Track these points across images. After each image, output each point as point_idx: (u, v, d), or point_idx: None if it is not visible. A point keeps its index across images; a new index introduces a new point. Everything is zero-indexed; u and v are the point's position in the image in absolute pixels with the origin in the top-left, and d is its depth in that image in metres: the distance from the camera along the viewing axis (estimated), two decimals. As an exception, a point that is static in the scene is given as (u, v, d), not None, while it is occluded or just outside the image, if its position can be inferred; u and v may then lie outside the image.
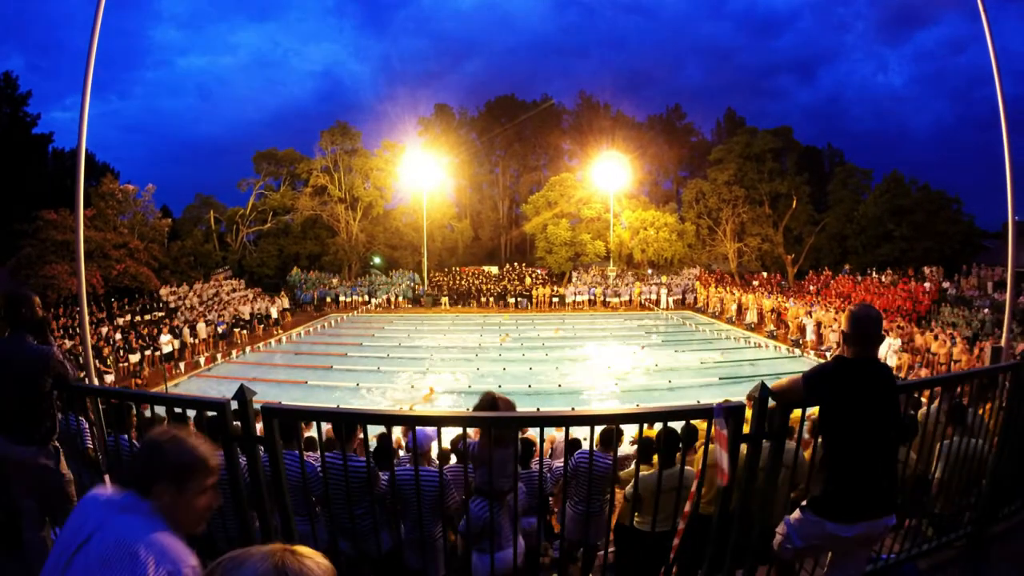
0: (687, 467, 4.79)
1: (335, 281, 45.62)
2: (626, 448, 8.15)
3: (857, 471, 3.25)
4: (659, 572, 4.18)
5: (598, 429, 3.52)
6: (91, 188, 34.76)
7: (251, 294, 39.53)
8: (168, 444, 2.09)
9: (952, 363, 20.81)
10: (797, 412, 3.78)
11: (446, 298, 42.94)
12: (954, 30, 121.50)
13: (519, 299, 42.32)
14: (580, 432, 3.84)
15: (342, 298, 42.52)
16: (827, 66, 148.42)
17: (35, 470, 3.97)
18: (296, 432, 4.23)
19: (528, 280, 45.28)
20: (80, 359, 16.80)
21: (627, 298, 42.32)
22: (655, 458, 5.45)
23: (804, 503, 3.49)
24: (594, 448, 4.00)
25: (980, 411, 5.01)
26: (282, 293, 40.45)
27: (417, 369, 23.83)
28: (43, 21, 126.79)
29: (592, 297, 42.31)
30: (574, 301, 41.86)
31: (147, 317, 30.10)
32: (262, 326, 33.54)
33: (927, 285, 32.05)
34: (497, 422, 3.90)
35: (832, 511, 3.30)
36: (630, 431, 8.45)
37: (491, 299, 42.70)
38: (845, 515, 3.27)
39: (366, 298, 42.47)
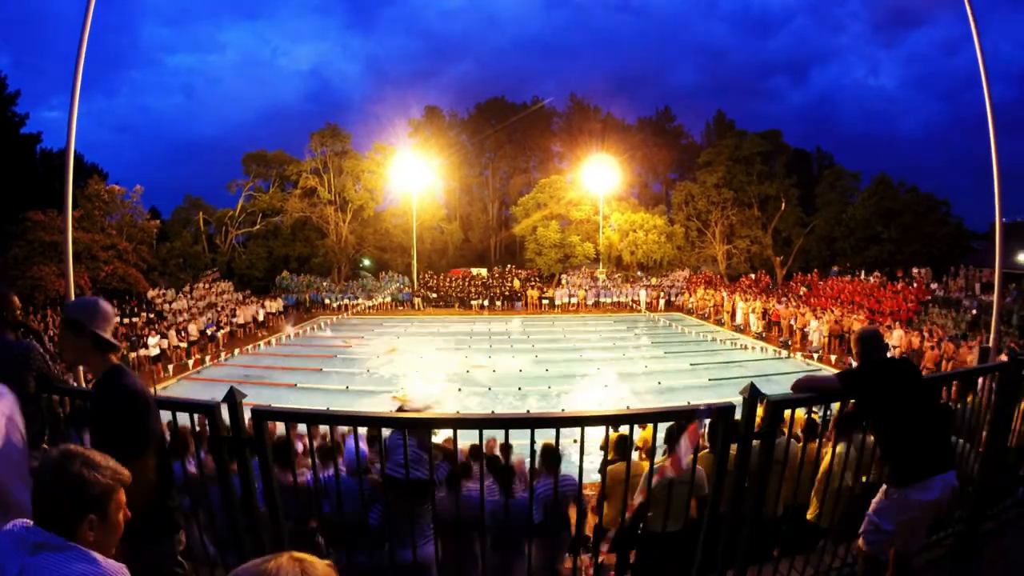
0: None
1: (325, 284, 45.43)
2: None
3: (912, 436, 3.67)
4: (676, 572, 4.22)
5: (588, 431, 3.51)
6: (78, 189, 34.56)
7: (241, 296, 39.36)
8: (85, 471, 1.88)
9: (945, 362, 20.89)
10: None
11: (421, 299, 43.00)
12: (947, 32, 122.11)
13: (507, 301, 42.38)
14: (571, 433, 3.83)
15: (333, 303, 42.15)
16: (818, 68, 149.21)
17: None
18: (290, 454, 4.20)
19: (517, 283, 45.22)
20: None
21: (616, 300, 42.38)
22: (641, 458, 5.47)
23: (884, 486, 3.83)
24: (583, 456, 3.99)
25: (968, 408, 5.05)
26: (275, 297, 40.24)
27: (407, 370, 23.81)
28: (30, 19, 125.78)
29: (581, 299, 42.31)
30: (564, 303, 41.89)
31: (135, 320, 29.97)
32: (246, 329, 33.46)
33: (915, 287, 32.23)
34: (489, 424, 3.90)
35: (908, 477, 3.66)
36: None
37: (480, 301, 42.57)
38: (920, 475, 3.63)
39: (357, 302, 42.20)
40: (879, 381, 3.78)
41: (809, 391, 3.88)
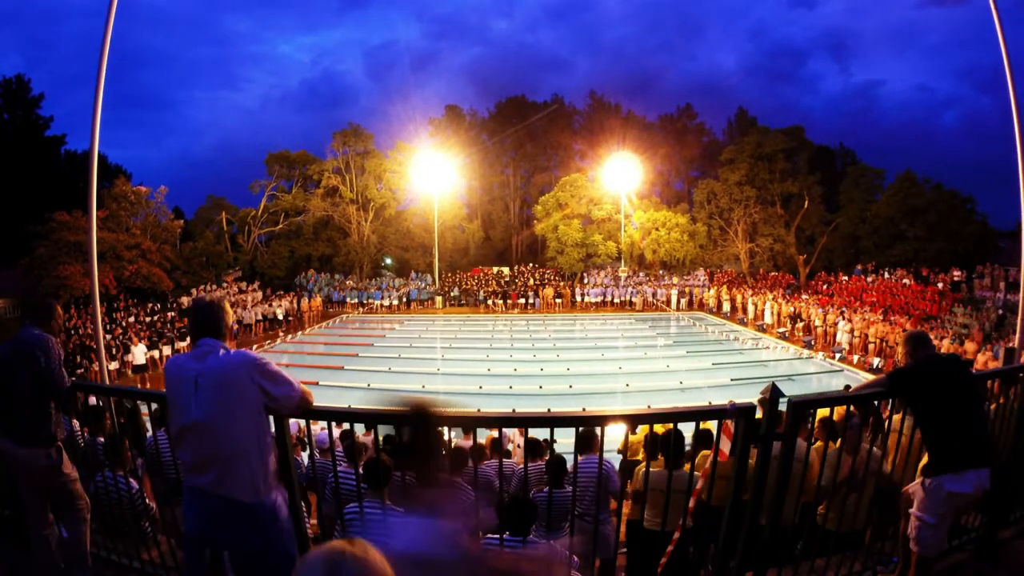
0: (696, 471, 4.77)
1: (348, 283, 45.70)
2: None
3: (953, 428, 3.82)
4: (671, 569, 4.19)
5: (607, 429, 3.52)
6: (104, 190, 34.97)
7: (260, 294, 39.64)
8: (221, 310, 3.22)
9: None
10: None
11: (443, 297, 43.08)
12: (979, 23, 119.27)
13: (529, 300, 42.36)
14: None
15: (360, 300, 42.47)
16: (845, 59, 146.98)
17: (40, 471, 4.02)
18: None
19: (531, 280, 45.17)
20: (94, 359, 16.92)
21: (639, 298, 42.21)
22: (660, 456, 5.44)
23: (920, 476, 3.98)
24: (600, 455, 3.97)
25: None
26: (302, 295, 40.53)
27: (428, 369, 23.88)
28: (49, 16, 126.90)
29: (604, 298, 42.25)
30: (586, 301, 41.81)
31: (156, 317, 30.31)
32: (267, 326, 33.78)
33: (939, 286, 31.79)
34: (509, 422, 3.92)
35: (946, 465, 3.81)
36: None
37: (500, 300, 42.56)
38: (957, 465, 3.78)
39: (379, 300, 42.35)
40: (930, 376, 3.90)
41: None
